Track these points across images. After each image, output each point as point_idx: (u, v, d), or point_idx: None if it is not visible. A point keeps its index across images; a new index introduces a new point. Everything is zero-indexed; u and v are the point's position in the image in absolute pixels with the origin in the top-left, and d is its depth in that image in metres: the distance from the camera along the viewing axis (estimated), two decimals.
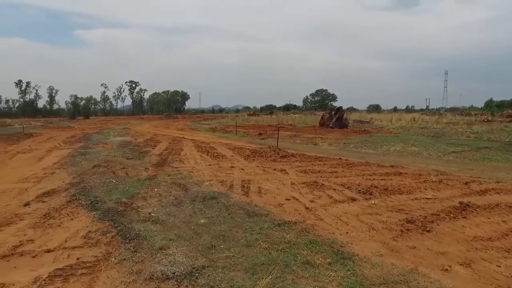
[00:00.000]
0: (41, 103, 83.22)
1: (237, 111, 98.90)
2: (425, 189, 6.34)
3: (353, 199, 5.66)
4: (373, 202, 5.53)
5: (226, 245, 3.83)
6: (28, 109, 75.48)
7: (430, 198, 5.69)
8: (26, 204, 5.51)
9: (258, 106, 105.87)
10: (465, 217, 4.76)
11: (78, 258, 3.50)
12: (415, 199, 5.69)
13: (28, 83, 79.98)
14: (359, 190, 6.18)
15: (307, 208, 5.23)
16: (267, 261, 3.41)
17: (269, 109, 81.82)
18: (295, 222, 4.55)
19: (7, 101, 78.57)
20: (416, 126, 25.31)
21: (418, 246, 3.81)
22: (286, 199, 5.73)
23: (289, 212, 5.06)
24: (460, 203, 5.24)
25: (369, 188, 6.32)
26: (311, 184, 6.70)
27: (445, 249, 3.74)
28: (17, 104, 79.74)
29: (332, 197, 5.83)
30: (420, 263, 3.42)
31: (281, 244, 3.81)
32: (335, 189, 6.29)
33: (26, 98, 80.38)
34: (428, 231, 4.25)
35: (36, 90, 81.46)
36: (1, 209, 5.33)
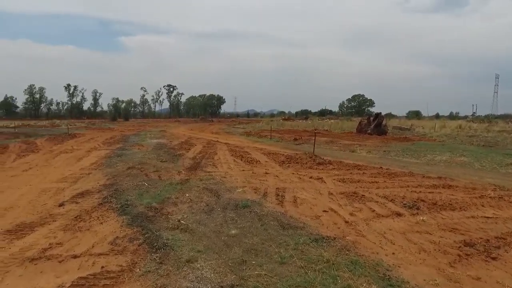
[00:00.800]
0: (86, 106, 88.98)
1: (272, 115, 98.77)
2: (483, 206, 5.62)
3: (398, 214, 5.12)
4: (421, 218, 4.94)
5: (258, 261, 3.49)
6: (75, 111, 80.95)
7: (490, 217, 4.99)
8: (61, 205, 5.56)
9: (293, 111, 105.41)
10: None
11: (102, 267, 3.34)
12: (472, 217, 5.02)
13: (75, 87, 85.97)
14: (404, 204, 5.61)
15: (346, 222, 4.77)
16: (303, 283, 3.04)
17: (304, 114, 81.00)
18: (334, 238, 4.12)
19: (57, 103, 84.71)
20: (463, 134, 23.50)
21: (483, 278, 3.21)
22: (324, 211, 5.30)
23: (327, 226, 4.63)
24: None
25: (415, 201, 5.73)
26: (350, 195, 6.20)
27: None
28: (65, 106, 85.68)
29: (374, 210, 5.31)
30: None
31: (319, 263, 3.41)
32: (377, 202, 5.76)
33: (74, 101, 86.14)
34: (493, 258, 3.61)
35: (82, 94, 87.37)
36: (38, 208, 5.43)
